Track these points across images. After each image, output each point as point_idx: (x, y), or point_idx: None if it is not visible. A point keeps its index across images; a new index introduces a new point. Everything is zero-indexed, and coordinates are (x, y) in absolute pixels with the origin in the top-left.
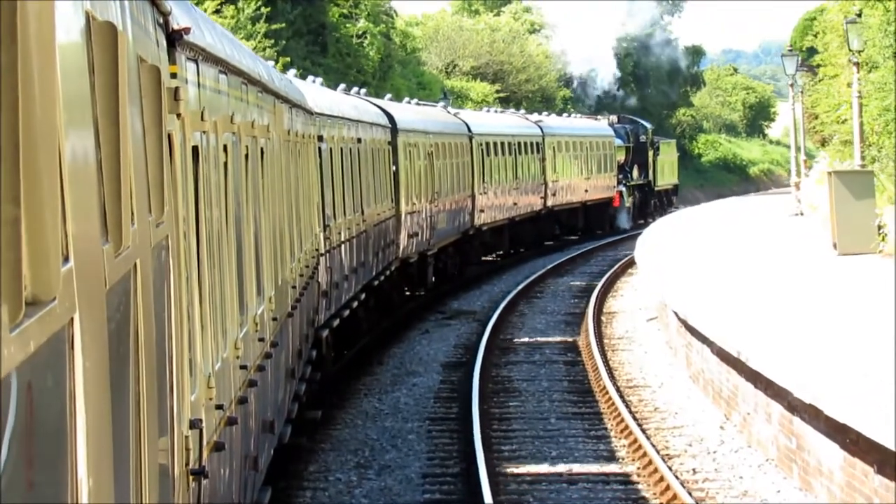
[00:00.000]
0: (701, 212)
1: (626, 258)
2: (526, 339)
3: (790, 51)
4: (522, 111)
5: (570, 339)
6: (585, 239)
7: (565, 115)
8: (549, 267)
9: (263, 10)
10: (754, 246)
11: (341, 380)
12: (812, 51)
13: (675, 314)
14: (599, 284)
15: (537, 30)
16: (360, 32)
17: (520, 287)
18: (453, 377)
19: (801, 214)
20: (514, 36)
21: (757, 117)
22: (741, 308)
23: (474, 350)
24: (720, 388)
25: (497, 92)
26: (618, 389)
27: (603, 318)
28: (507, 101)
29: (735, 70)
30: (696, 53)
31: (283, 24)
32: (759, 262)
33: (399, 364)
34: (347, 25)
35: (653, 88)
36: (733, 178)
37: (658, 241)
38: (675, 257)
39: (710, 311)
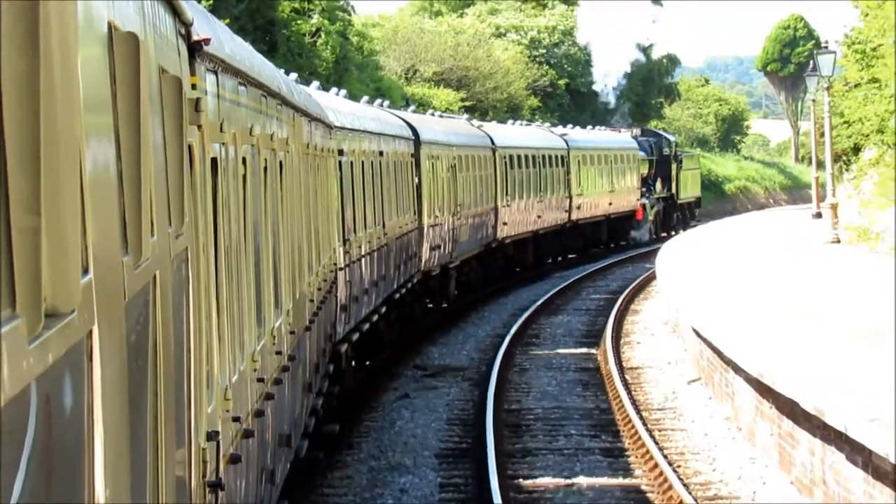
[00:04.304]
0: (712, 233)
1: (629, 288)
2: (539, 412)
3: (824, 47)
4: (548, 124)
5: (596, 410)
6: (582, 261)
7: (589, 127)
8: (538, 304)
9: (204, 3)
10: (808, 284)
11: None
12: (785, 60)
13: (754, 386)
14: (608, 327)
15: (503, 34)
16: (314, 30)
17: (511, 331)
18: (456, 476)
19: (838, 241)
20: (479, 39)
21: (730, 131)
22: (863, 389)
23: (477, 430)
24: None
25: (462, 100)
26: None
27: (627, 377)
28: (473, 109)
29: (706, 81)
30: (671, 62)
31: (228, 20)
32: (833, 309)
33: (376, 450)
34: (299, 22)
35: (625, 98)
36: (708, 196)
37: (681, 272)
38: (713, 296)
39: (831, 395)
